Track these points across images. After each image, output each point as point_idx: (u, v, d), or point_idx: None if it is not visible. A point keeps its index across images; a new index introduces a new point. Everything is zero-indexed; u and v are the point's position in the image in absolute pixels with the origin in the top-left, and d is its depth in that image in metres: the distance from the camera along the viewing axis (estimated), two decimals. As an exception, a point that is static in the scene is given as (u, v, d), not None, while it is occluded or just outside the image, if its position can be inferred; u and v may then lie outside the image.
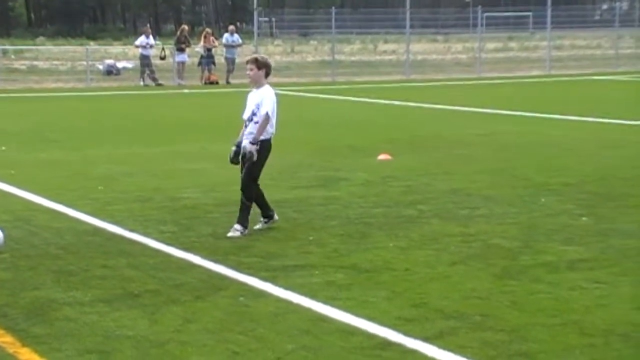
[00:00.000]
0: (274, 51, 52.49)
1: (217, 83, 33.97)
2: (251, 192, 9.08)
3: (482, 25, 47.13)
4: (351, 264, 7.83)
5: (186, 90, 31.17)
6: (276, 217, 9.34)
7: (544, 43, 46.04)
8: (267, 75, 9.14)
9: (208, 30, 37.09)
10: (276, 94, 9.23)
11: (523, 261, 7.89)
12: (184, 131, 18.70)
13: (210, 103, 26.76)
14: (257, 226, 9.24)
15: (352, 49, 54.96)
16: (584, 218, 9.63)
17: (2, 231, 8.44)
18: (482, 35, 44.81)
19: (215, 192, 11.26)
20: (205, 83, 33.93)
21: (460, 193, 11.16)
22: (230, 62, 35.18)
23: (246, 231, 8.98)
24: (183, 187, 11.68)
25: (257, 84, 9.16)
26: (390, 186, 11.70)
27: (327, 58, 43.80)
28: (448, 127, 19.08)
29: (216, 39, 36.82)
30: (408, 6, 41.27)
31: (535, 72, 40.31)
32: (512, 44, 60.77)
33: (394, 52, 52.22)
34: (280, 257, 8.10)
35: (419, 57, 47.26)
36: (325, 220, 9.65)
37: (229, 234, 8.94)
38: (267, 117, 8.94)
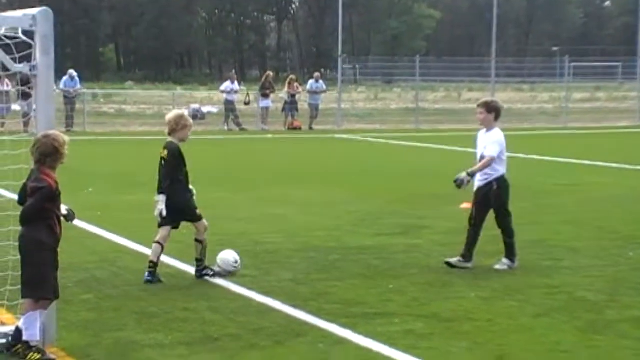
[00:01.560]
0: (358, 98, 52.73)
1: (300, 129, 34.23)
2: (511, 229, 9.73)
3: (569, 74, 46.64)
4: (432, 313, 7.74)
5: (270, 135, 31.46)
6: (470, 264, 9.57)
7: (634, 94, 45.31)
8: (496, 118, 9.86)
9: (292, 76, 37.51)
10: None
11: (609, 315, 7.71)
12: (267, 176, 18.84)
13: (293, 149, 26.93)
14: (498, 266, 9.61)
15: (436, 97, 54.88)
16: (673, 273, 9.38)
17: (238, 253, 9.30)
18: (569, 85, 44.33)
19: (297, 238, 11.28)
20: (289, 128, 34.22)
21: (544, 244, 10.98)
22: (314, 108, 35.45)
23: (514, 265, 9.55)
24: (265, 232, 11.74)
25: (487, 127, 9.81)
26: (473, 235, 11.55)
27: (410, 105, 43.78)
28: (533, 176, 18.84)
29: (300, 85, 37.18)
30: (494, 55, 41.16)
31: (623, 123, 39.64)
32: (600, 94, 59.93)
33: (478, 100, 51.92)
34: (360, 304, 8.06)
35: (504, 106, 46.84)
36: (406, 268, 9.59)
37: (496, 266, 9.56)
38: (490, 159, 9.58)
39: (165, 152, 9.15)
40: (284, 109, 35.22)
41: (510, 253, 9.68)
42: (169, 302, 8.09)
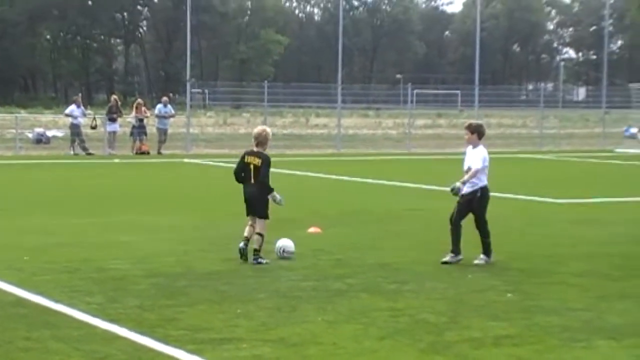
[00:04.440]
0: (207, 122, 52.63)
1: (148, 153, 33.89)
2: (487, 230, 11.46)
3: (412, 101, 47.99)
4: (279, 338, 7.82)
5: (117, 160, 31.01)
6: (461, 256, 11.35)
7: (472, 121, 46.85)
8: (479, 137, 11.73)
9: (140, 100, 37.12)
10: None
11: (449, 337, 7.97)
12: (115, 202, 18.56)
13: (142, 173, 26.64)
14: (446, 258, 11.36)
15: (284, 122, 55.38)
16: (509, 294, 9.78)
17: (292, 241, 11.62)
18: (412, 112, 45.58)
19: (144, 264, 11.18)
20: (137, 153, 33.84)
21: (389, 267, 11.25)
22: (162, 132, 35.16)
23: (490, 260, 11.41)
24: (112, 258, 11.57)
25: (473, 145, 11.73)
26: (320, 259, 11.76)
27: (259, 131, 43.94)
28: (378, 201, 19.27)
29: (148, 109, 36.84)
30: (340, 81, 41.93)
31: (462, 149, 40.95)
32: (441, 121, 61.90)
33: (325, 126, 52.76)
34: (208, 330, 8.06)
35: (350, 132, 47.81)
36: (254, 292, 9.65)
37: (475, 261, 11.32)
38: (476, 171, 11.46)
39: (259, 160, 11.68)
40: (132, 134, 34.82)
41: (486, 250, 11.44)
42: (9, 332, 7.87)
